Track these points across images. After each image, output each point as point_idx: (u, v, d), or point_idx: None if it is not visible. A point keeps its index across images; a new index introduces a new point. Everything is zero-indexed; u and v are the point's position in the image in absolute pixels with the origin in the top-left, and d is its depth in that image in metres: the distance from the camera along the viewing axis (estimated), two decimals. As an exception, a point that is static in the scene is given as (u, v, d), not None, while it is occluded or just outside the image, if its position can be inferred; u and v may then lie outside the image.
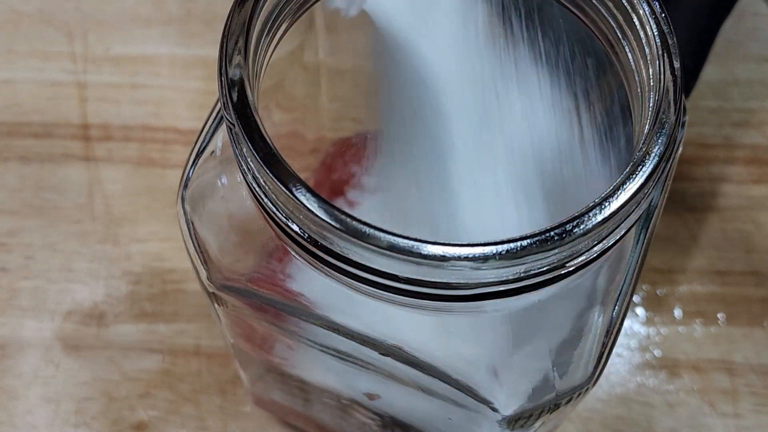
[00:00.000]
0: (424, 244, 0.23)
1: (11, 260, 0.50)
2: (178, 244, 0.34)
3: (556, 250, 0.24)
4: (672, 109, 0.25)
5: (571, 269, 0.25)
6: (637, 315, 0.48)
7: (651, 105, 0.26)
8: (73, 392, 0.46)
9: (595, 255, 0.25)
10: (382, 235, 0.23)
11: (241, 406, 0.46)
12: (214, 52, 0.26)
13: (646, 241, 0.29)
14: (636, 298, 0.48)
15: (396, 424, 0.35)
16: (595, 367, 0.30)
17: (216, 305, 0.33)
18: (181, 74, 0.55)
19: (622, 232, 0.25)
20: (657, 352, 0.47)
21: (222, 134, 0.31)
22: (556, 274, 0.24)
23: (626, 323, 0.43)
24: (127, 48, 0.56)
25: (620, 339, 0.46)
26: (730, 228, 0.50)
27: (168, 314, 0.48)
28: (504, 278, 0.24)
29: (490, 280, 0.24)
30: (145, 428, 0.45)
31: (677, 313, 0.48)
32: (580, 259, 0.24)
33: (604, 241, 0.25)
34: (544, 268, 0.24)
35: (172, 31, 0.57)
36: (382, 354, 0.29)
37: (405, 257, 0.23)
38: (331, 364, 0.32)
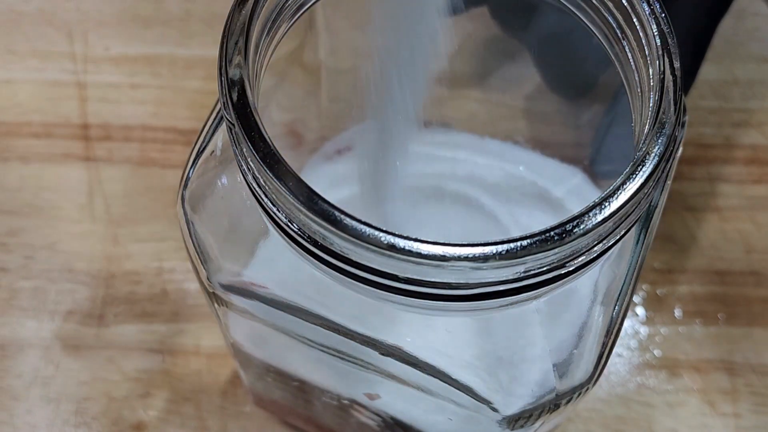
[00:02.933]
0: (423, 244, 0.23)
1: (11, 260, 0.49)
2: (178, 244, 0.34)
3: (556, 250, 0.24)
4: (672, 109, 0.25)
5: (571, 269, 0.25)
6: (637, 315, 0.48)
7: (651, 105, 0.26)
8: (73, 392, 0.46)
9: (595, 255, 0.25)
10: (382, 235, 0.23)
11: (241, 406, 0.46)
12: (214, 52, 0.27)
13: (646, 240, 0.29)
14: (636, 298, 0.48)
15: (396, 425, 0.35)
16: (595, 367, 0.30)
17: (216, 305, 0.33)
18: (181, 74, 0.55)
19: (623, 232, 0.25)
20: (657, 352, 0.47)
21: (222, 134, 0.31)
22: (556, 274, 0.24)
23: (626, 323, 0.43)
24: (127, 48, 0.56)
25: (620, 339, 0.46)
26: (729, 228, 0.50)
27: (168, 314, 0.48)
28: (504, 278, 0.24)
29: (490, 280, 0.24)
30: (145, 428, 0.45)
31: (677, 313, 0.48)
32: (580, 258, 0.24)
33: (604, 241, 0.25)
34: (544, 268, 0.24)
35: (172, 31, 0.57)
36: (382, 354, 0.29)
37: (405, 257, 0.23)
38: (331, 364, 0.32)
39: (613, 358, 0.46)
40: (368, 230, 0.23)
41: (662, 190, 0.28)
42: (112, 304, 0.48)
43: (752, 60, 0.56)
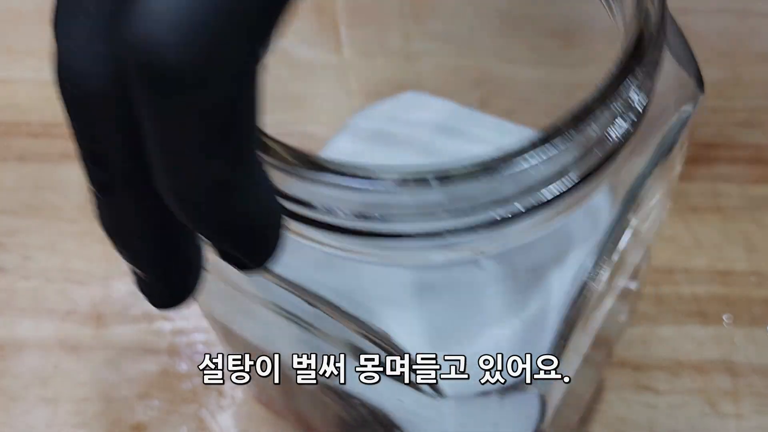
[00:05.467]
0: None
1: (10, 260, 0.49)
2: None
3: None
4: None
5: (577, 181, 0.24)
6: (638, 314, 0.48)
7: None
8: (72, 393, 0.46)
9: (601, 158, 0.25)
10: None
11: (241, 406, 0.46)
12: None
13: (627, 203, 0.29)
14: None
15: (374, 418, 0.34)
16: (560, 340, 0.28)
17: None
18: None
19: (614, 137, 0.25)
20: (658, 352, 0.47)
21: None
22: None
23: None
24: (127, 48, 0.56)
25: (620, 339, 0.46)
26: (731, 228, 0.50)
27: (167, 314, 0.48)
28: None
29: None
30: (144, 428, 0.45)
31: (679, 313, 0.48)
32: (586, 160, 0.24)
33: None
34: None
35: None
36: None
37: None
38: (288, 331, 0.31)
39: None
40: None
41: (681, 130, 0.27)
42: (110, 305, 0.48)
43: (755, 59, 0.55)
